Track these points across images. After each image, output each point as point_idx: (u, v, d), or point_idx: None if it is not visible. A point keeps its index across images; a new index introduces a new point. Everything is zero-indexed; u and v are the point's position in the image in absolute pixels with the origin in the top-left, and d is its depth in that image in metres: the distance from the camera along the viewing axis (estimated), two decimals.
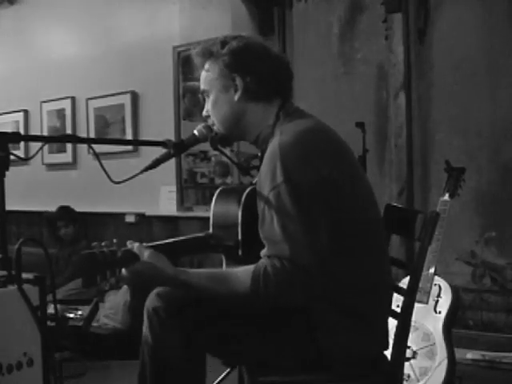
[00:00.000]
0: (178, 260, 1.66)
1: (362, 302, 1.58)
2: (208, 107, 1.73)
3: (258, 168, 1.88)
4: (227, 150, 1.92)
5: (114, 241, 1.58)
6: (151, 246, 1.65)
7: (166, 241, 1.74)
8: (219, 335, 1.58)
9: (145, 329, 1.58)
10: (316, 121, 1.66)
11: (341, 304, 1.56)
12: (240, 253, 1.72)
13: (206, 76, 1.71)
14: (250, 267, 1.50)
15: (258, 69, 1.65)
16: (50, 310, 1.52)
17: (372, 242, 1.63)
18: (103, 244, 1.55)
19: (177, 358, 1.54)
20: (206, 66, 1.70)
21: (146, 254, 1.58)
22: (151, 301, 1.58)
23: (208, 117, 1.75)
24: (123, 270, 1.57)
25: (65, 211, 4.56)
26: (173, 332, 1.53)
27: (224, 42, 1.67)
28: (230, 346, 1.61)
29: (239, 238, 1.71)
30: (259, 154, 1.76)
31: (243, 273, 1.51)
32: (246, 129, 1.70)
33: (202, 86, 1.73)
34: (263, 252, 1.53)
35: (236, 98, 1.66)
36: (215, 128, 1.74)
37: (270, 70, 1.66)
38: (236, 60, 1.64)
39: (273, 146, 1.55)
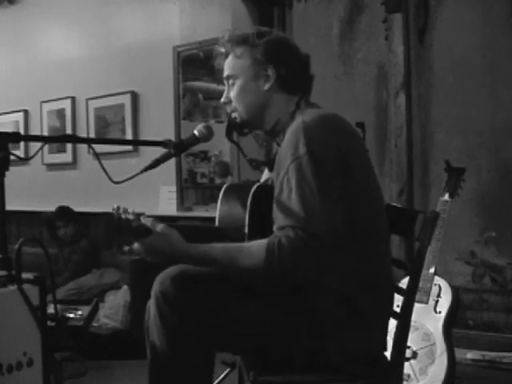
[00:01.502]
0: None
1: (366, 299, 1.59)
2: (230, 94, 1.75)
3: (265, 164, 1.89)
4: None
5: (132, 210, 1.58)
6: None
7: (177, 223, 1.74)
8: (227, 322, 1.57)
9: (153, 314, 1.56)
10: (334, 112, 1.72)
11: (346, 297, 1.57)
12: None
13: (236, 62, 1.73)
14: (264, 240, 1.50)
15: (291, 62, 1.73)
16: (50, 310, 1.52)
17: (379, 234, 1.65)
18: (122, 209, 1.56)
19: (188, 340, 1.54)
20: (238, 51, 1.73)
21: (159, 228, 1.59)
22: (161, 284, 1.56)
23: (227, 103, 1.77)
24: (135, 244, 1.57)
25: (64, 211, 4.56)
26: (182, 314, 1.53)
27: (260, 33, 1.73)
28: (236, 332, 1.60)
29: (246, 231, 1.71)
30: (264, 144, 1.78)
31: (257, 245, 1.51)
32: (267, 117, 1.74)
33: (229, 72, 1.75)
34: (276, 225, 1.53)
35: (266, 87, 1.71)
36: (234, 114, 1.75)
37: (300, 65, 1.76)
38: (273, 50, 1.70)
39: (295, 124, 1.59)
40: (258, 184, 1.78)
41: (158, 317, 1.55)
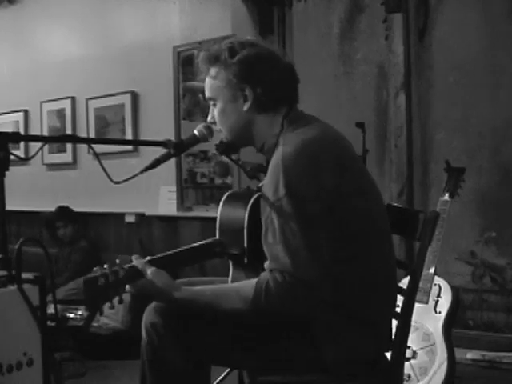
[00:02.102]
0: (183, 269, 1.67)
1: (366, 306, 1.58)
2: (214, 114, 1.72)
3: (264, 173, 1.89)
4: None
5: (117, 261, 1.58)
6: (155, 259, 1.64)
7: (170, 252, 1.74)
8: (219, 345, 1.59)
9: (143, 344, 1.59)
10: (320, 128, 1.63)
11: (345, 309, 1.56)
12: (246, 261, 1.72)
13: (213, 83, 1.67)
14: (252, 281, 1.51)
15: (268, 79, 1.63)
16: (50, 310, 1.52)
17: (378, 247, 1.63)
18: (105, 266, 1.56)
19: (178, 371, 1.55)
20: (213, 72, 1.66)
21: (149, 272, 1.58)
22: (149, 316, 1.59)
23: (213, 123, 1.74)
24: (127, 287, 1.58)
25: (63, 211, 4.56)
26: (172, 346, 1.55)
27: (232, 50, 1.63)
28: (231, 354, 1.61)
29: (245, 245, 1.71)
30: (264, 165, 1.76)
31: (245, 288, 1.52)
32: (253, 137, 1.69)
33: (208, 94, 1.71)
34: (266, 265, 1.54)
35: (245, 108, 1.64)
36: (222, 135, 1.73)
37: (279, 80, 1.65)
38: (246, 70, 1.61)
39: (276, 157, 1.54)
40: (258, 194, 1.77)
41: (148, 346, 1.58)
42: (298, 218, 1.47)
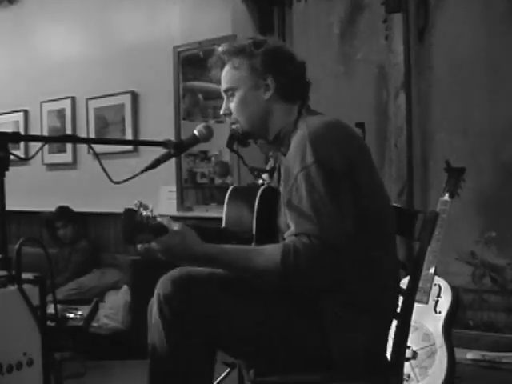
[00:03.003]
0: None
1: (371, 300, 1.59)
2: (231, 105, 1.74)
3: (268, 171, 1.90)
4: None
5: (150, 206, 1.57)
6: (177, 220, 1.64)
7: (191, 223, 1.73)
8: (230, 326, 1.58)
9: (156, 317, 1.57)
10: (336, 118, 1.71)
11: (351, 299, 1.57)
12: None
13: (235, 73, 1.73)
14: (279, 244, 1.52)
15: (289, 70, 1.72)
16: (50, 310, 1.52)
17: (388, 236, 1.67)
18: (143, 205, 1.54)
19: (187, 349, 1.54)
20: (236, 63, 1.72)
21: (175, 227, 1.58)
22: (164, 287, 1.56)
23: (227, 115, 1.76)
24: (152, 243, 1.56)
25: (63, 212, 4.56)
26: (184, 323, 1.53)
27: (257, 43, 1.72)
28: (238, 342, 1.61)
29: (253, 232, 1.72)
30: (271, 154, 1.78)
31: (273, 249, 1.52)
32: (270, 126, 1.74)
33: (228, 84, 1.74)
34: (288, 233, 1.54)
35: (266, 96, 1.71)
36: (236, 126, 1.75)
37: (298, 73, 1.75)
38: (271, 61, 1.70)
39: (300, 133, 1.59)
40: (265, 186, 1.79)
41: (159, 319, 1.56)
42: (326, 185, 1.50)
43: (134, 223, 1.51)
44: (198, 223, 1.79)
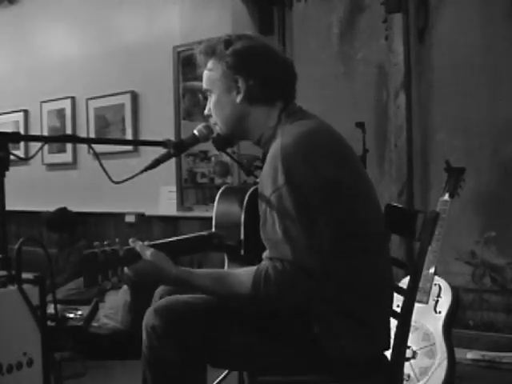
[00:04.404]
0: (178, 259, 1.67)
1: (362, 305, 1.58)
2: (210, 106, 1.72)
3: (261, 168, 1.88)
4: (229, 151, 1.92)
5: (117, 240, 1.58)
6: (153, 245, 1.64)
7: (168, 239, 1.75)
8: (219, 348, 1.58)
9: (144, 347, 1.58)
10: (318, 121, 1.64)
11: (342, 306, 1.56)
12: (242, 253, 1.72)
13: (209, 75, 1.69)
14: (252, 268, 1.50)
15: (262, 72, 1.63)
16: (50, 310, 1.52)
17: (373, 243, 1.62)
18: (105, 243, 1.55)
19: (177, 373, 1.55)
20: (209, 64, 1.68)
21: (148, 253, 1.57)
22: (149, 318, 1.58)
23: (210, 116, 1.74)
24: (125, 269, 1.57)
25: (62, 212, 4.56)
26: (171, 348, 1.53)
27: (228, 42, 1.65)
28: (231, 356, 1.61)
29: (242, 237, 1.71)
30: (260, 157, 1.77)
31: (245, 274, 1.51)
32: (249, 130, 1.69)
33: (205, 86, 1.72)
34: (265, 254, 1.53)
35: (238, 100, 1.65)
36: (217, 128, 1.73)
37: (274, 73, 1.65)
38: (239, 62, 1.63)
39: (274, 148, 1.54)
40: (254, 187, 1.77)
41: (148, 349, 1.57)
42: (297, 206, 1.46)
43: (96, 266, 1.50)
44: (179, 237, 1.78)
